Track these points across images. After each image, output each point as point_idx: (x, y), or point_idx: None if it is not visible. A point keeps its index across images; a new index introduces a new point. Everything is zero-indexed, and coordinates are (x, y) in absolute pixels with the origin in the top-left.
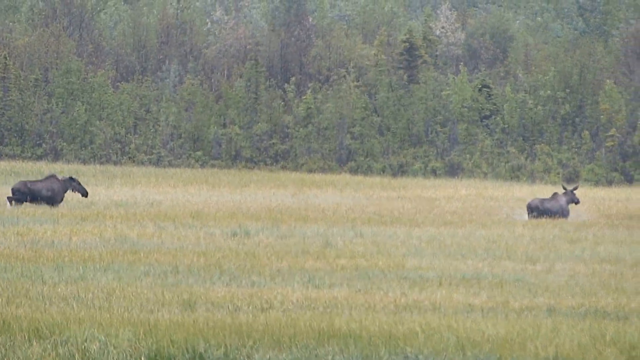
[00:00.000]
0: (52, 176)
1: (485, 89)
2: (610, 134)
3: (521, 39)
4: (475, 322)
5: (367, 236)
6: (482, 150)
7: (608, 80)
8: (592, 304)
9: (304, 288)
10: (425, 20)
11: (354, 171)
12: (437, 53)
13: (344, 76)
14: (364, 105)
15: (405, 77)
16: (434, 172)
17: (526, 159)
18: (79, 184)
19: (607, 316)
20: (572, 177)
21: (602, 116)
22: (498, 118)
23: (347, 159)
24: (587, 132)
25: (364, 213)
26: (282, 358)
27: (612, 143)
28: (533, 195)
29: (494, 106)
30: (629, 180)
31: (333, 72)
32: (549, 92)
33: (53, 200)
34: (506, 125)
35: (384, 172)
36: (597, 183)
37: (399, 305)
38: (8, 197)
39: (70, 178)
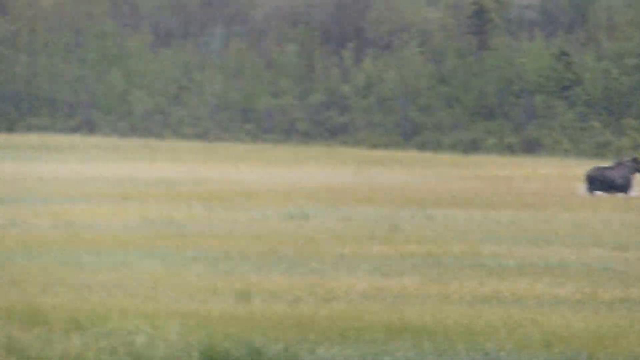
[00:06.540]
0: (621, 163)
1: (563, 57)
2: None
3: (603, 1)
4: (562, 316)
5: (438, 219)
6: (563, 124)
7: None
8: None
9: (370, 277)
10: None
11: (421, 147)
12: (510, 17)
13: (407, 42)
14: (430, 73)
15: (474, 43)
16: (510, 149)
17: (612, 134)
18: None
19: None
20: None
21: None
22: (579, 89)
23: (413, 134)
24: None
25: (433, 194)
26: (347, 354)
27: None
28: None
29: (575, 76)
30: None
31: (395, 37)
32: (635, 60)
33: (626, 188)
34: (589, 97)
35: (454, 148)
36: None
37: (477, 296)
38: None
39: (634, 159)
